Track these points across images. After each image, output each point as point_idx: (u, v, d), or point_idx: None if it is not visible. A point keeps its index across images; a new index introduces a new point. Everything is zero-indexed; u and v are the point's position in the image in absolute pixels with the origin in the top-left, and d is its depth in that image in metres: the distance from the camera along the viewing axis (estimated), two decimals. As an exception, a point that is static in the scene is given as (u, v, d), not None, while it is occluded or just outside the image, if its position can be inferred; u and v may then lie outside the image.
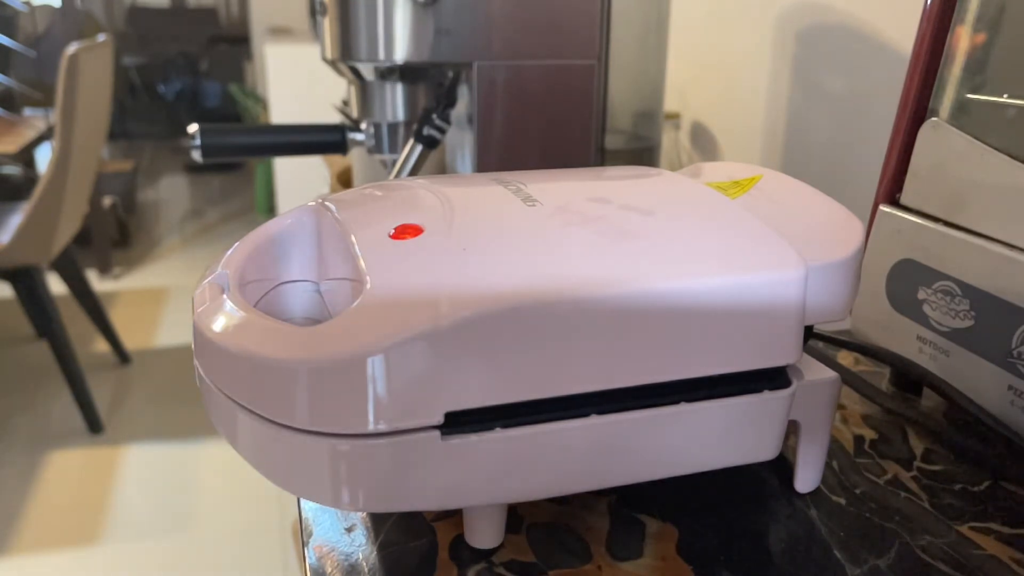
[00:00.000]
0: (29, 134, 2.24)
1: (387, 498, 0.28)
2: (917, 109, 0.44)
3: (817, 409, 0.35)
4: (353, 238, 0.31)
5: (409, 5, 0.60)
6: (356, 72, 0.65)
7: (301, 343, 0.27)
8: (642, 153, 0.86)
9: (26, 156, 2.35)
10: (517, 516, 0.34)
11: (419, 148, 0.65)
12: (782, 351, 0.32)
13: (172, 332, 2.38)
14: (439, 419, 0.28)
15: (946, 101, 0.42)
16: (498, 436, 0.29)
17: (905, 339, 0.44)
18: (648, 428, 0.31)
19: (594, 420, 0.30)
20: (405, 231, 0.31)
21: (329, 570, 0.31)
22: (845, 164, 0.75)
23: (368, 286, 0.28)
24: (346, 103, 0.80)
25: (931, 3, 0.42)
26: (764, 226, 0.33)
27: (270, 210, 3.26)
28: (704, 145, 1.00)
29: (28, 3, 3.21)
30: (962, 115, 0.41)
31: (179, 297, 2.63)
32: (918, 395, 0.46)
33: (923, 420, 0.42)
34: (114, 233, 2.95)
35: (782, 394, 0.33)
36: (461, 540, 0.33)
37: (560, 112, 0.66)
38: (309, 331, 0.28)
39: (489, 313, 0.27)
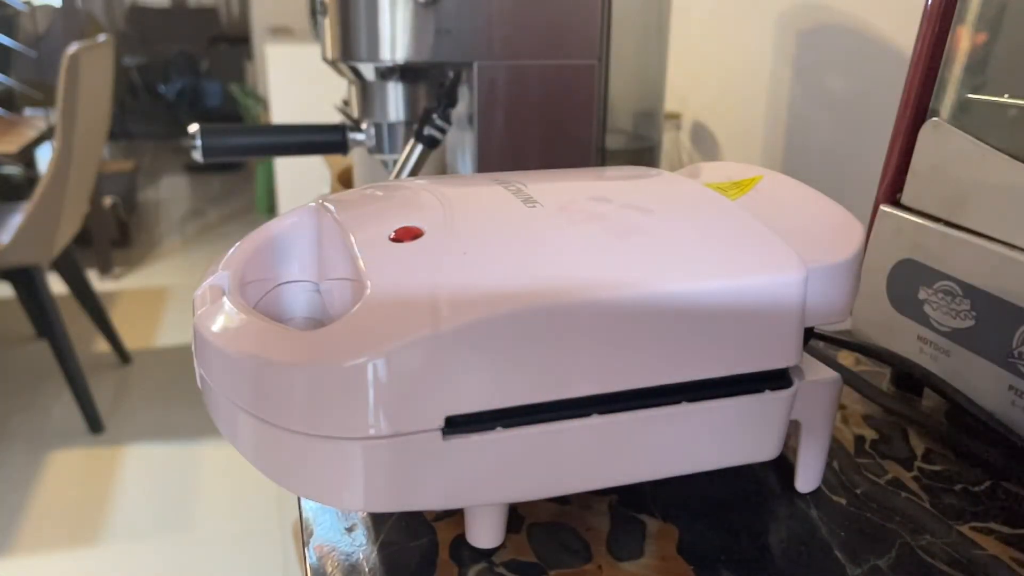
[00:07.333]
0: (30, 134, 2.24)
1: (389, 498, 0.28)
2: (918, 109, 0.44)
3: (818, 409, 0.35)
4: (353, 239, 0.31)
5: (409, 5, 0.60)
6: (356, 72, 0.65)
7: (303, 346, 0.27)
8: (642, 153, 0.86)
9: (26, 156, 2.35)
10: (518, 516, 0.34)
11: (420, 148, 0.65)
12: (783, 353, 0.32)
13: (172, 332, 2.38)
14: (440, 423, 0.28)
15: (947, 101, 0.42)
16: (499, 436, 0.29)
17: (906, 339, 0.44)
18: (649, 428, 0.31)
19: (595, 420, 0.30)
20: (405, 233, 0.31)
21: (329, 570, 0.31)
22: (845, 164, 0.75)
23: (368, 290, 0.28)
24: (346, 103, 0.80)
25: (931, 3, 0.42)
26: (764, 228, 0.33)
27: (270, 210, 3.26)
28: (704, 145, 0.99)
29: (28, 3, 3.21)
30: (963, 115, 0.41)
31: (179, 297, 2.63)
32: (919, 395, 0.46)
33: (924, 420, 0.42)
34: (114, 233, 2.95)
35: (783, 394, 0.33)
36: (461, 540, 0.33)
37: (560, 112, 0.66)
38: (310, 335, 0.28)
39: (490, 318, 0.27)
